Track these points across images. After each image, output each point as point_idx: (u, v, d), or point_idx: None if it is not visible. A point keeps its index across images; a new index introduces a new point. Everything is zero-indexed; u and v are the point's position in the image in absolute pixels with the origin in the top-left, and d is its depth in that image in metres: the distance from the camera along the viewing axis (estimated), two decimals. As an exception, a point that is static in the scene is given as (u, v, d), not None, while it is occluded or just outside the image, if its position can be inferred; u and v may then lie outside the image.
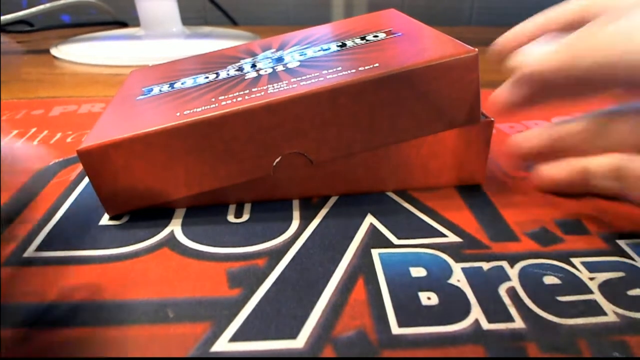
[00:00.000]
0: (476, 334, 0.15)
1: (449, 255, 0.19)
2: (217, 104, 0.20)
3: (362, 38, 0.25)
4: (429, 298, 0.17)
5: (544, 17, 0.23)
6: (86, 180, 0.25)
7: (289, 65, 0.23)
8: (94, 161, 0.20)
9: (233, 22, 0.65)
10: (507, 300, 0.17)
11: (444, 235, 0.20)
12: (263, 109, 0.19)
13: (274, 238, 0.20)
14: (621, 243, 0.20)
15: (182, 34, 0.54)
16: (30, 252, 0.19)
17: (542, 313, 0.16)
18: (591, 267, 0.19)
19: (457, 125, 0.22)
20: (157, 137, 0.19)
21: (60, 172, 0.26)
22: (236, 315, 0.16)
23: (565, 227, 0.21)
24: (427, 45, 0.22)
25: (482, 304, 0.17)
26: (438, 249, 0.20)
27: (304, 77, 0.21)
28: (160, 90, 0.24)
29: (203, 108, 0.20)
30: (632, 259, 0.19)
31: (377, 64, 0.20)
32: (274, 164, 0.21)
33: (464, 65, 0.20)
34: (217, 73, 0.25)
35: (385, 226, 0.21)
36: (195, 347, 0.15)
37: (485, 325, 0.16)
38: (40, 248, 0.20)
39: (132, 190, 0.21)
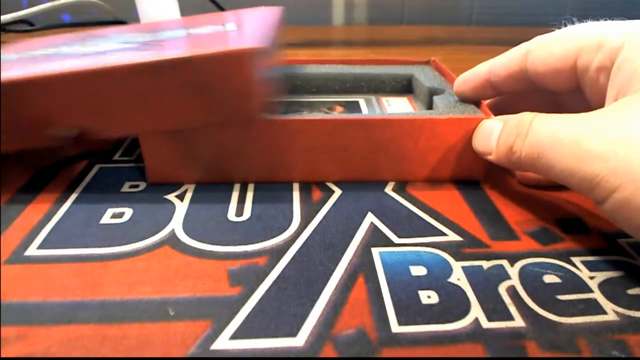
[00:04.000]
0: (476, 332, 0.16)
1: (449, 254, 0.19)
2: (19, 72, 0.21)
3: (207, 30, 0.25)
4: (429, 297, 0.17)
5: (490, 64, 0.24)
6: (87, 178, 0.25)
7: (114, 47, 0.24)
8: None
9: (233, 22, 0.65)
10: (507, 299, 0.17)
11: (444, 234, 0.20)
12: (37, 79, 0.20)
13: (274, 237, 0.20)
14: (621, 242, 0.20)
15: (182, 33, 0.54)
16: (32, 250, 0.19)
17: (542, 312, 0.16)
18: (591, 266, 0.19)
19: (236, 122, 0.22)
20: None
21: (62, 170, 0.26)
22: (237, 314, 0.16)
23: (565, 226, 0.21)
24: (225, 39, 0.22)
25: (482, 302, 0.17)
26: (438, 248, 0.20)
27: (108, 56, 0.22)
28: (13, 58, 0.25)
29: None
30: (632, 258, 0.19)
31: (173, 51, 0.21)
32: (53, 135, 0.21)
33: (234, 61, 0.20)
34: (60, 47, 0.26)
35: (386, 225, 0.21)
36: (196, 345, 0.15)
37: (485, 323, 0.16)
38: (41, 246, 0.20)
39: None
